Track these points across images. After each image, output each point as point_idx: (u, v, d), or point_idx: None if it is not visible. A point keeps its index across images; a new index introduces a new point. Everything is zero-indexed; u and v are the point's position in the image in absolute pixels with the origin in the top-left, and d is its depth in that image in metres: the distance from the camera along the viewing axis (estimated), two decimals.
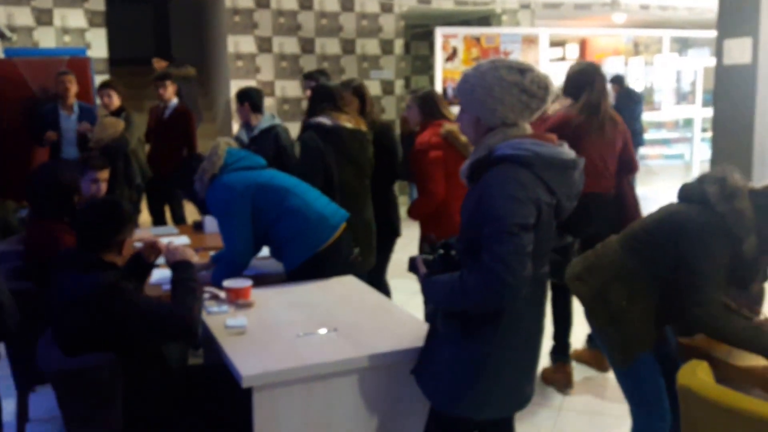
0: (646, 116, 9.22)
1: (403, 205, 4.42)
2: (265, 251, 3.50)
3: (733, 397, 1.89)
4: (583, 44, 10.17)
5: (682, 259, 2.43)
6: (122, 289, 2.37)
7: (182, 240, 4.14)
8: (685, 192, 2.56)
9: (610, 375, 3.96)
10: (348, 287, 3.20)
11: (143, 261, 2.82)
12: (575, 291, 2.68)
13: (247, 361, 2.32)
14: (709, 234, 2.40)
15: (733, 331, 2.40)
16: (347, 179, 3.90)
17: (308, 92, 4.97)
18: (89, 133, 5.55)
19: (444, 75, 8.43)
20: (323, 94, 4.03)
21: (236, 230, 3.18)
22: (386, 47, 9.44)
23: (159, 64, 8.14)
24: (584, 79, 3.85)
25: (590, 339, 4.26)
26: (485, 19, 10.20)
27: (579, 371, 4.15)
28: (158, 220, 6.29)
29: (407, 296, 4.72)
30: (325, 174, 3.83)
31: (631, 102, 8.49)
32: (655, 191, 9.05)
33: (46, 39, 7.90)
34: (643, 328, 2.53)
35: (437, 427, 2.30)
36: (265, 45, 8.81)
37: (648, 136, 9.90)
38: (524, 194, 2.00)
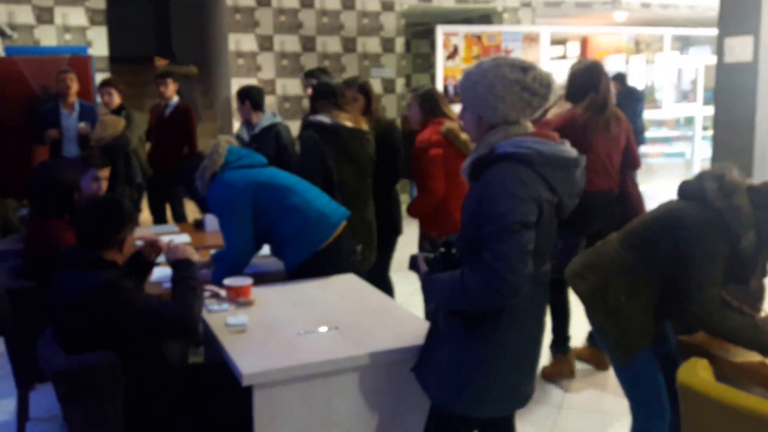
0: (647, 114, 9.21)
1: (404, 203, 4.41)
2: (265, 249, 3.50)
3: (733, 394, 1.89)
4: (584, 42, 10.15)
5: (681, 255, 2.44)
6: (122, 288, 2.37)
7: (183, 238, 4.15)
8: (685, 189, 2.57)
9: (610, 373, 3.96)
10: (348, 285, 3.20)
11: (144, 259, 2.83)
12: (575, 288, 2.69)
13: (248, 359, 2.32)
14: (708, 231, 2.40)
15: (730, 328, 2.41)
16: (347, 179, 3.89)
17: (309, 90, 4.97)
18: (90, 134, 5.55)
19: (445, 73, 8.42)
20: (324, 92, 4.01)
21: (237, 228, 3.18)
22: (387, 45, 9.44)
23: (161, 63, 8.14)
24: (589, 80, 3.88)
25: (590, 337, 4.27)
26: (486, 17, 10.19)
27: (579, 369, 4.15)
28: (159, 218, 6.29)
29: (407, 294, 4.72)
30: (324, 172, 3.82)
31: (632, 100, 8.47)
32: (656, 189, 9.04)
33: (47, 37, 7.90)
34: (642, 325, 2.53)
35: (437, 426, 2.30)
36: (266, 43, 8.81)
37: (649, 134, 9.89)
38: (525, 192, 2.00)
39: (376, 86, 9.28)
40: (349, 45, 9.21)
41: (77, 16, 8.02)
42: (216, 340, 2.54)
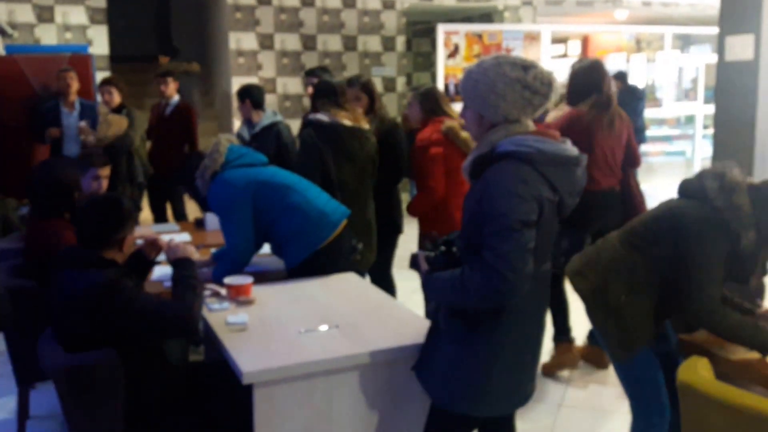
0: (648, 113, 9.20)
1: (404, 202, 4.41)
2: (266, 248, 3.50)
3: (733, 393, 1.89)
4: (585, 41, 10.14)
5: (681, 254, 2.44)
6: (122, 287, 2.37)
7: (183, 237, 4.15)
8: (685, 188, 2.57)
9: (610, 371, 3.96)
10: (349, 284, 3.20)
11: (144, 258, 2.82)
12: (575, 287, 2.69)
13: (248, 358, 2.32)
14: (708, 229, 2.40)
15: (730, 326, 2.41)
16: (346, 178, 3.86)
17: (309, 89, 4.97)
18: (91, 136, 5.55)
19: (446, 72, 8.41)
20: (324, 90, 4.01)
21: (237, 227, 3.18)
22: (388, 44, 9.43)
23: (164, 60, 8.18)
24: (591, 79, 3.91)
25: (591, 336, 4.27)
26: (487, 16, 10.19)
27: (579, 368, 4.15)
28: (159, 217, 6.29)
29: (408, 293, 4.72)
30: (322, 171, 3.81)
31: (633, 99, 8.46)
32: (657, 188, 9.03)
33: (48, 36, 7.90)
34: (642, 323, 2.53)
35: (438, 424, 2.30)
36: (266, 42, 8.80)
37: (649, 133, 9.87)
38: (526, 191, 2.00)
39: (377, 85, 9.26)
40: (349, 43, 9.21)
41: (78, 15, 8.02)
42: (216, 338, 2.54)
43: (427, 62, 11.62)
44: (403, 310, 2.84)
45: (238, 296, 2.90)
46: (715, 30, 5.69)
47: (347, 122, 3.88)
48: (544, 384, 3.93)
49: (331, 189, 3.67)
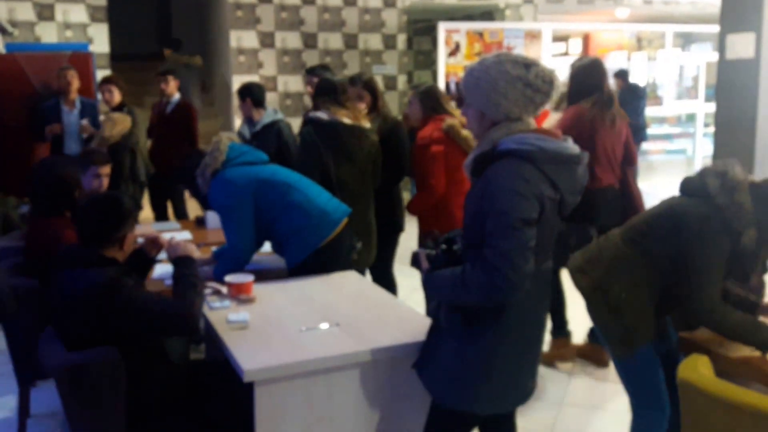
0: (649, 111, 9.20)
1: (405, 200, 4.42)
2: (266, 246, 3.50)
3: (733, 390, 1.89)
4: (586, 39, 10.14)
5: (682, 251, 2.44)
6: (122, 285, 2.37)
7: (184, 235, 4.15)
8: (687, 185, 2.57)
9: (611, 370, 3.96)
10: (350, 282, 3.20)
11: (145, 256, 2.83)
12: (577, 283, 2.69)
13: (249, 356, 2.32)
14: (709, 227, 2.40)
15: (731, 325, 2.42)
16: (345, 177, 3.85)
17: (309, 88, 4.96)
18: (91, 132, 5.55)
19: (447, 70, 8.41)
20: (325, 88, 4.00)
21: (238, 225, 3.18)
22: (389, 42, 9.43)
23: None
24: (592, 79, 3.94)
25: (591, 333, 4.27)
26: (488, 14, 10.19)
27: (580, 366, 4.15)
28: (160, 215, 6.29)
29: (409, 291, 4.72)
30: (321, 170, 3.80)
31: (634, 97, 8.47)
32: (657, 186, 9.03)
33: (48, 34, 7.90)
34: (643, 320, 2.54)
35: (438, 421, 2.31)
36: (267, 40, 8.80)
37: (650, 131, 9.87)
38: (528, 189, 2.00)
39: (378, 83, 9.27)
40: (350, 42, 9.21)
41: (78, 13, 8.02)
42: (217, 336, 2.54)
43: (428, 60, 11.61)
44: (403, 308, 2.84)
45: (239, 294, 2.90)
46: (716, 28, 5.69)
47: (347, 120, 3.87)
48: (545, 382, 3.93)
49: (330, 187, 3.67)
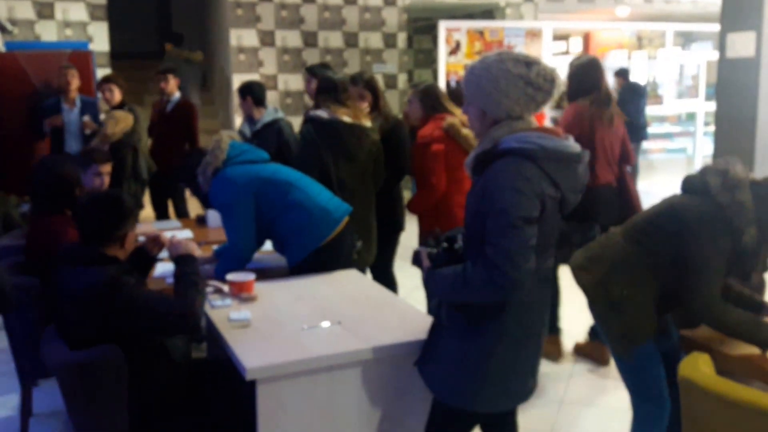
0: (649, 110, 9.20)
1: (406, 199, 4.42)
2: (268, 245, 3.50)
3: (734, 388, 1.90)
4: (586, 38, 10.13)
5: (683, 249, 2.45)
6: (124, 284, 2.37)
7: (185, 234, 4.15)
8: (688, 183, 2.58)
9: (611, 368, 3.97)
10: (351, 281, 3.20)
11: (146, 255, 2.83)
12: (578, 281, 2.70)
13: (251, 354, 2.32)
14: (710, 225, 2.41)
15: (731, 323, 2.42)
16: (345, 177, 3.85)
17: (309, 86, 4.96)
18: (97, 131, 5.55)
19: (447, 69, 8.41)
20: (325, 86, 4.00)
21: (239, 224, 3.18)
22: (389, 41, 9.43)
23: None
24: (590, 79, 3.97)
25: (592, 331, 4.28)
26: (489, 13, 10.18)
27: (580, 364, 4.16)
28: (161, 214, 6.29)
29: (409, 290, 4.73)
30: (321, 168, 3.80)
31: (634, 96, 8.48)
32: (657, 185, 9.04)
33: (48, 32, 7.90)
34: (644, 317, 2.54)
35: (440, 419, 2.31)
36: (267, 38, 8.80)
37: (651, 130, 9.87)
38: (529, 188, 2.00)
39: (378, 82, 9.27)
40: (350, 40, 9.21)
41: (78, 12, 8.02)
42: (219, 335, 2.54)
43: (429, 59, 11.61)
44: (405, 307, 2.84)
45: (241, 293, 2.90)
46: (716, 27, 5.68)
47: (347, 119, 3.87)
48: (546, 380, 3.93)
49: (329, 185, 3.67)
